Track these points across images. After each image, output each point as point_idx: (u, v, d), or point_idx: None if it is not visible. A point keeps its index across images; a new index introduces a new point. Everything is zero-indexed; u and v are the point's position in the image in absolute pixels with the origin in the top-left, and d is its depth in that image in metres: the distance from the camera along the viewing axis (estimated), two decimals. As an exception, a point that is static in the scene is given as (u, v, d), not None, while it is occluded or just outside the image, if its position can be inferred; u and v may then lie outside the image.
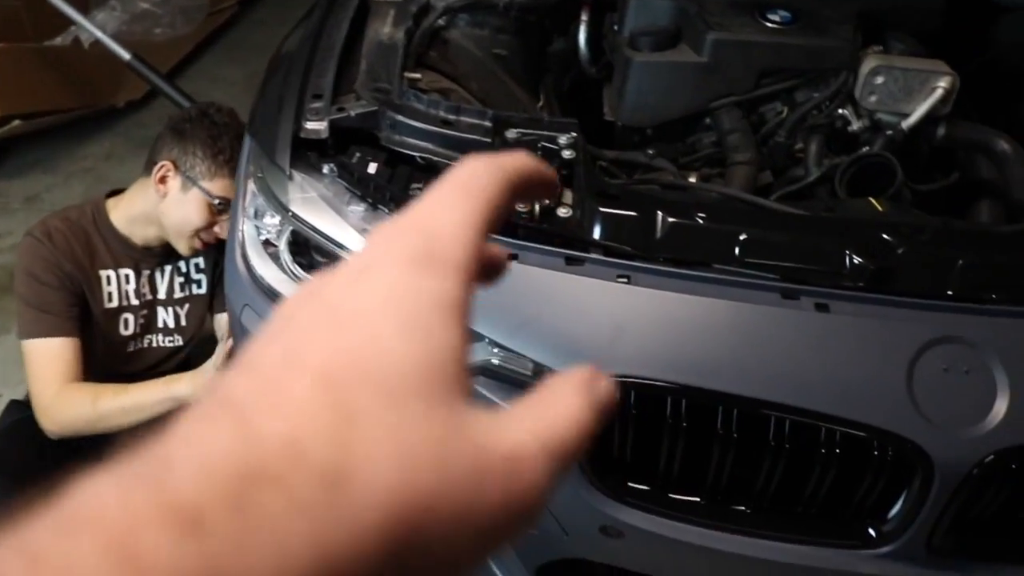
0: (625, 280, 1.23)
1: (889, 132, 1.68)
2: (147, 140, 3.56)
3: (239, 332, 1.52)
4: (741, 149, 1.69)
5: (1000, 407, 1.15)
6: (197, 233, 1.97)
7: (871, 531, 1.26)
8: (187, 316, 2.17)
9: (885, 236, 1.30)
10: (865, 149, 1.68)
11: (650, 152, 1.58)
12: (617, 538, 1.30)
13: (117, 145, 3.61)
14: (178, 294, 2.15)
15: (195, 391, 1.85)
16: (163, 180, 1.97)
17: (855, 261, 1.27)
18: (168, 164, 1.97)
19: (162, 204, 1.99)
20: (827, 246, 1.29)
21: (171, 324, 2.14)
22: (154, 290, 2.12)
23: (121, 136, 3.67)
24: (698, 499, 1.29)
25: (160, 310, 2.13)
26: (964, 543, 1.26)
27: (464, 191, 0.36)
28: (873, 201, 1.50)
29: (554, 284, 1.24)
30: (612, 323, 1.20)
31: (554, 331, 1.21)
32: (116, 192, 2.15)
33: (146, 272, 2.09)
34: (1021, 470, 1.17)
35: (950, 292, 1.26)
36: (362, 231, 1.37)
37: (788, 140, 1.73)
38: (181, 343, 2.16)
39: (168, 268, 2.12)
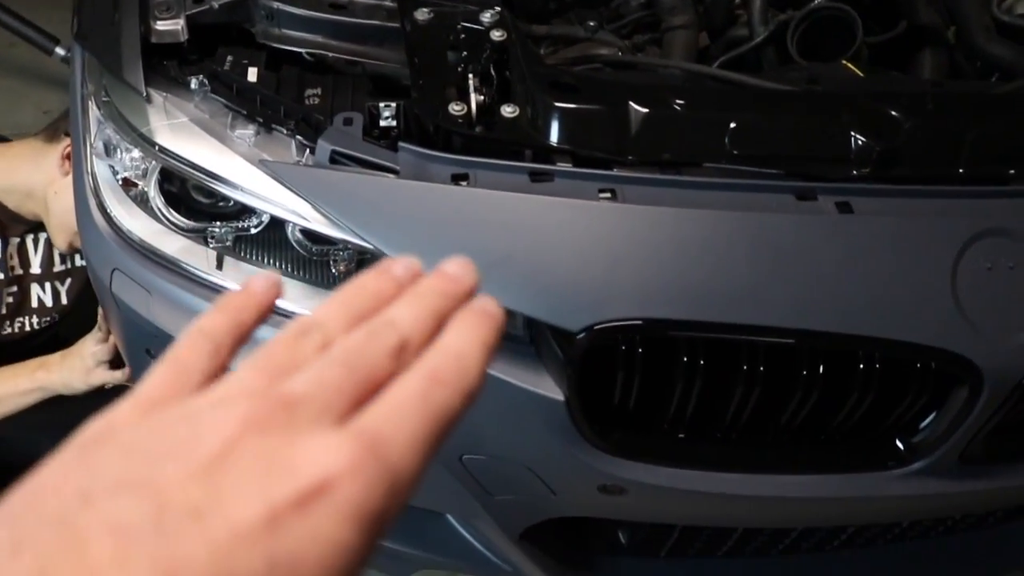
0: (608, 196, 0.99)
1: (839, -22, 1.47)
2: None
3: (110, 305, 1.19)
4: (678, 10, 1.45)
5: (1049, 303, 1.01)
6: None
7: (899, 445, 1.12)
8: (67, 292, 1.78)
9: (891, 111, 1.10)
10: (817, 1, 1.46)
11: (591, 24, 1.31)
12: (618, 495, 1.11)
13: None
14: (58, 267, 1.76)
15: (70, 379, 1.52)
16: (70, 157, 1.56)
17: (859, 142, 1.08)
18: None
19: (58, 183, 1.58)
20: (828, 127, 1.09)
21: (48, 302, 1.76)
22: (25, 263, 1.72)
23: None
24: (713, 446, 1.11)
25: (35, 287, 1.74)
26: (995, 448, 1.14)
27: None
28: (850, 66, 1.30)
29: (523, 210, 0.99)
30: (603, 253, 0.97)
31: (531, 271, 0.97)
32: None
33: (15, 240, 1.70)
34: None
35: (962, 170, 1.09)
36: (260, 163, 1.06)
37: (727, -5, 1.50)
38: (57, 319, 1.79)
39: (44, 236, 1.73)
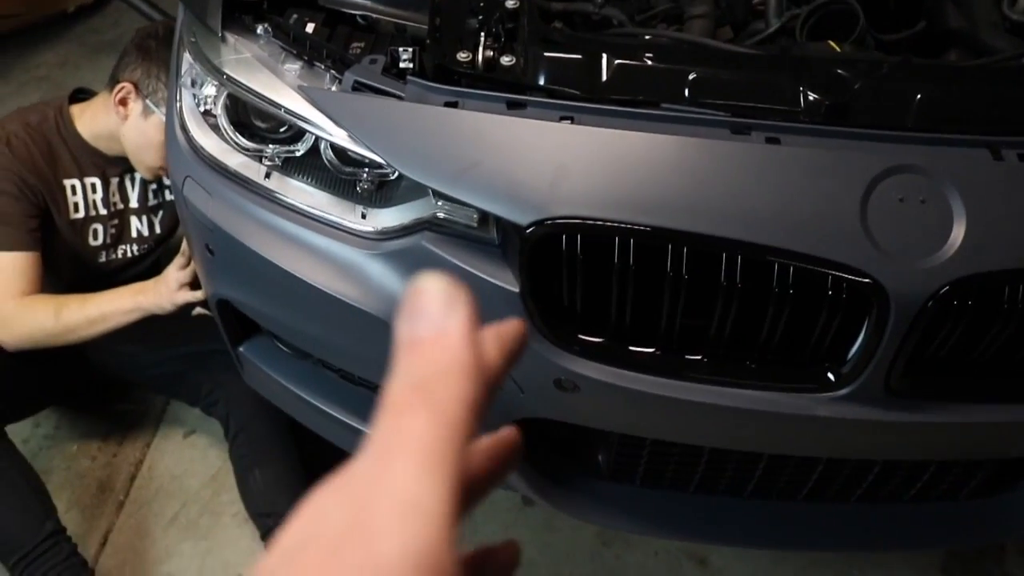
0: (569, 120, 1.18)
1: (853, -22, 1.61)
2: (102, 46, 3.49)
3: (182, 204, 1.47)
4: (697, 2, 1.62)
5: (956, 236, 1.11)
6: (160, 167, 1.90)
7: (830, 375, 1.24)
8: (160, 223, 2.11)
9: (841, 72, 1.24)
10: (826, -4, 1.60)
11: (599, 1, 1.51)
12: (573, 391, 1.27)
13: (71, 52, 3.51)
14: (151, 201, 2.09)
15: (160, 301, 1.80)
16: (123, 103, 1.89)
17: (810, 97, 1.22)
18: (129, 86, 1.88)
19: (123, 127, 1.91)
20: (781, 83, 1.24)
21: (145, 232, 2.09)
22: (125, 199, 2.05)
23: (74, 43, 3.56)
24: (653, 350, 1.26)
25: (133, 219, 2.07)
26: (921, 383, 1.23)
27: (432, 450, 0.30)
28: (832, 44, 1.44)
29: (495, 128, 1.19)
30: (554, 164, 1.15)
31: (495, 175, 1.16)
32: (81, 92, 2.07)
33: (115, 180, 2.02)
34: (976, 303, 1.14)
35: (904, 124, 1.22)
36: (297, 88, 1.31)
37: (747, -9, 1.66)
38: (154, 246, 2.12)
39: (139, 176, 2.05)
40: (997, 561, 1.90)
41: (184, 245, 1.77)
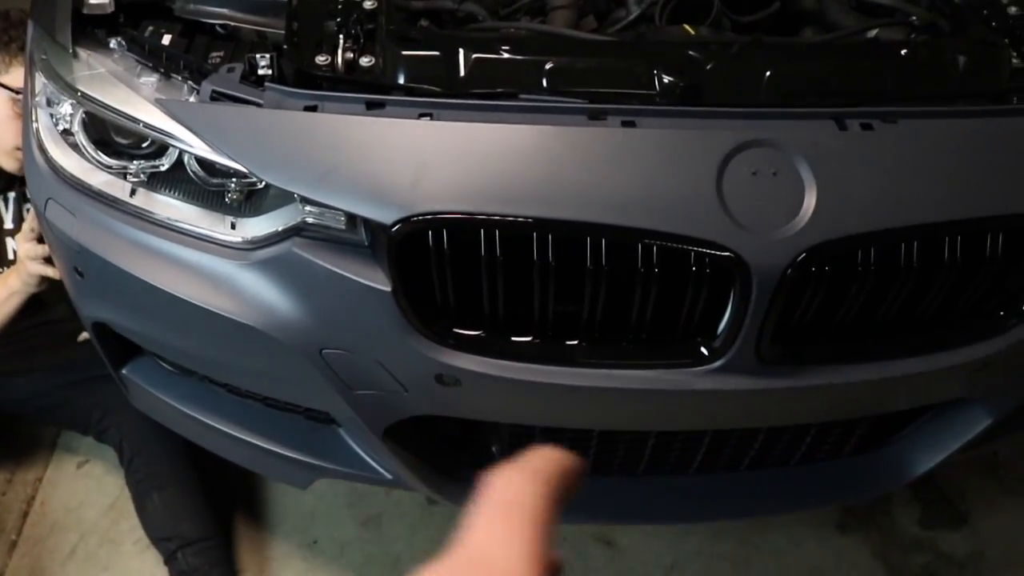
0: (428, 117, 1.18)
1: (708, -36, 1.65)
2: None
3: (46, 228, 1.43)
4: (559, -7, 1.64)
5: (808, 205, 1.15)
6: (17, 148, 1.84)
7: (703, 349, 1.27)
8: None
9: (692, 53, 1.28)
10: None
11: (457, -2, 1.52)
12: (455, 386, 1.28)
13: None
14: None
15: (24, 280, 1.78)
16: None
17: (665, 80, 1.25)
18: None
19: None
20: (635, 68, 1.27)
21: None
22: None
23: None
24: (530, 339, 1.28)
25: (8, 241, 1.99)
26: (791, 350, 1.28)
27: (514, 517, 0.39)
28: (687, 27, 1.47)
29: (355, 130, 1.18)
30: (415, 161, 1.16)
31: (357, 176, 1.16)
32: None
33: None
34: (832, 268, 1.18)
35: (755, 100, 1.26)
36: (155, 101, 1.28)
37: (608, -19, 1.69)
38: None
39: (12, 195, 1.99)
40: (885, 512, 1.99)
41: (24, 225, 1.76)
